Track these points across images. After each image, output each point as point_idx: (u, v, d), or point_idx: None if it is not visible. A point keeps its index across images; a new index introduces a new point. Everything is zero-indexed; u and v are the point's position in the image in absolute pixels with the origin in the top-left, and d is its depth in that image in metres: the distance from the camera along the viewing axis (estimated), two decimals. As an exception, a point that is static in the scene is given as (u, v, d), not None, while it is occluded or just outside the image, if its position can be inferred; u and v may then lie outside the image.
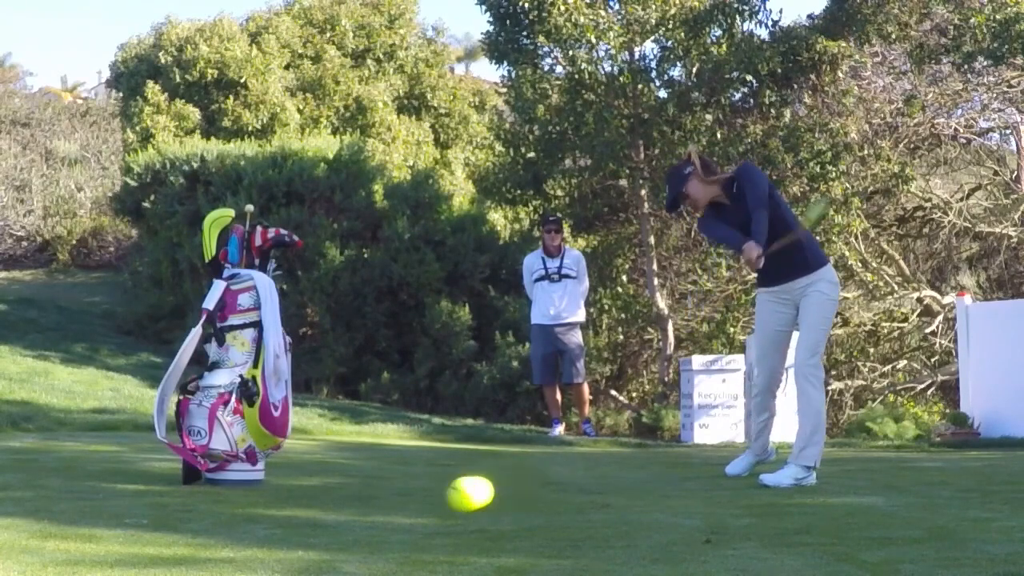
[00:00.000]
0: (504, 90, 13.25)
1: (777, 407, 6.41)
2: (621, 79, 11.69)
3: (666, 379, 11.77)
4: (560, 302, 10.34)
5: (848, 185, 11.31)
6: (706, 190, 5.97)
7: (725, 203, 5.99)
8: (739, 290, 11.99)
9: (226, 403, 5.25)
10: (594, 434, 10.39)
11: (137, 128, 14.80)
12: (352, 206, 12.50)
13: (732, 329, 11.50)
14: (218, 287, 5.38)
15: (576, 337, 10.46)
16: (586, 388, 10.69)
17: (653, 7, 11.65)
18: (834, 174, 11.14)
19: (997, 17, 10.89)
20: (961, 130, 12.42)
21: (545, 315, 10.36)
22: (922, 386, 12.14)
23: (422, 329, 11.93)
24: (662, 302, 11.87)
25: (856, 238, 11.70)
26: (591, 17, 11.49)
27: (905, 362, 12.61)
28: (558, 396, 10.56)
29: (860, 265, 11.89)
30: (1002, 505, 4.76)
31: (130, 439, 7.68)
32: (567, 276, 10.36)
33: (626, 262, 12.64)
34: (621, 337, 12.22)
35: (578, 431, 10.62)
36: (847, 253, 11.58)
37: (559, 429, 10.42)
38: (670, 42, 11.76)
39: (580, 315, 10.52)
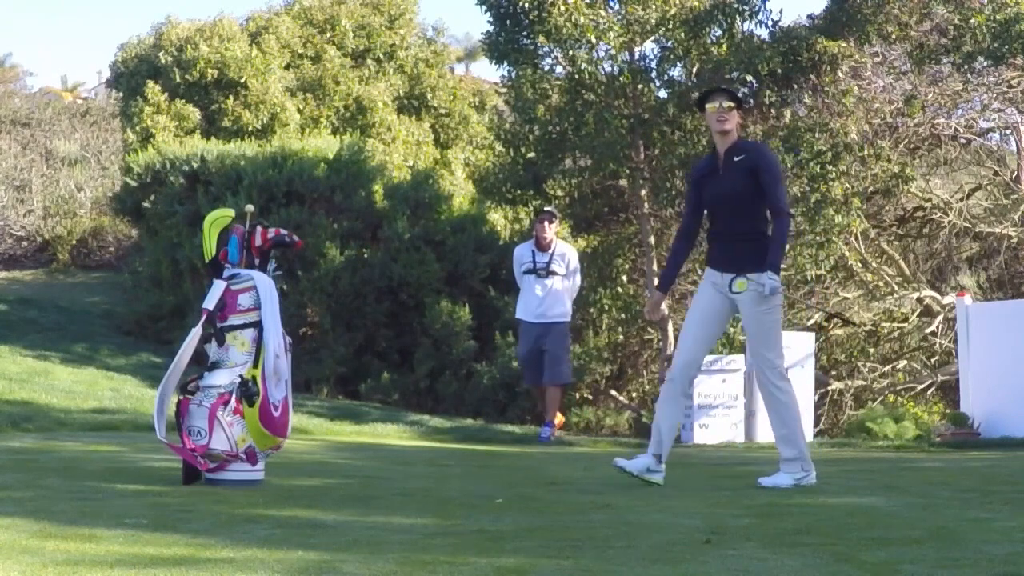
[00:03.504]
0: (504, 90, 13.25)
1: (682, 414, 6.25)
2: (621, 79, 11.69)
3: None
4: (545, 300, 9.85)
5: (848, 185, 11.31)
6: (733, 131, 5.71)
7: (718, 166, 5.73)
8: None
9: (226, 403, 5.25)
10: (548, 438, 9.77)
11: (137, 128, 14.79)
12: (352, 206, 12.50)
13: (732, 329, 11.50)
14: (218, 287, 5.38)
15: (560, 337, 9.92)
16: (560, 392, 10.10)
17: (653, 7, 11.65)
18: (834, 174, 11.14)
19: (997, 17, 10.90)
20: (961, 130, 12.42)
21: (529, 311, 9.90)
22: (922, 386, 12.15)
23: (422, 329, 11.93)
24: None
25: (856, 238, 11.70)
26: (591, 17, 11.49)
27: (905, 362, 12.62)
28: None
29: (860, 265, 11.89)
30: (1002, 505, 4.76)
31: (130, 439, 7.68)
32: (554, 273, 9.87)
33: (626, 262, 12.64)
34: (621, 337, 12.23)
35: (577, 431, 10.59)
36: (847, 253, 11.58)
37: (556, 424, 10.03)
38: (670, 42, 11.77)
39: (565, 314, 9.95)
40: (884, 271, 12.25)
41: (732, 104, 5.70)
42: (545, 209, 10.45)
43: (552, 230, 9.97)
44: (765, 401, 5.77)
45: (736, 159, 5.66)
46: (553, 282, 9.87)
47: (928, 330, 12.27)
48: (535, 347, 9.87)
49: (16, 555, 3.32)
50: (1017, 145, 12.87)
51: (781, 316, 5.85)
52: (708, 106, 5.71)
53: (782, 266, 12.06)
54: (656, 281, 5.90)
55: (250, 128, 14.73)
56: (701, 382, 9.94)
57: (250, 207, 5.70)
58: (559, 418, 10.02)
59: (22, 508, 4.28)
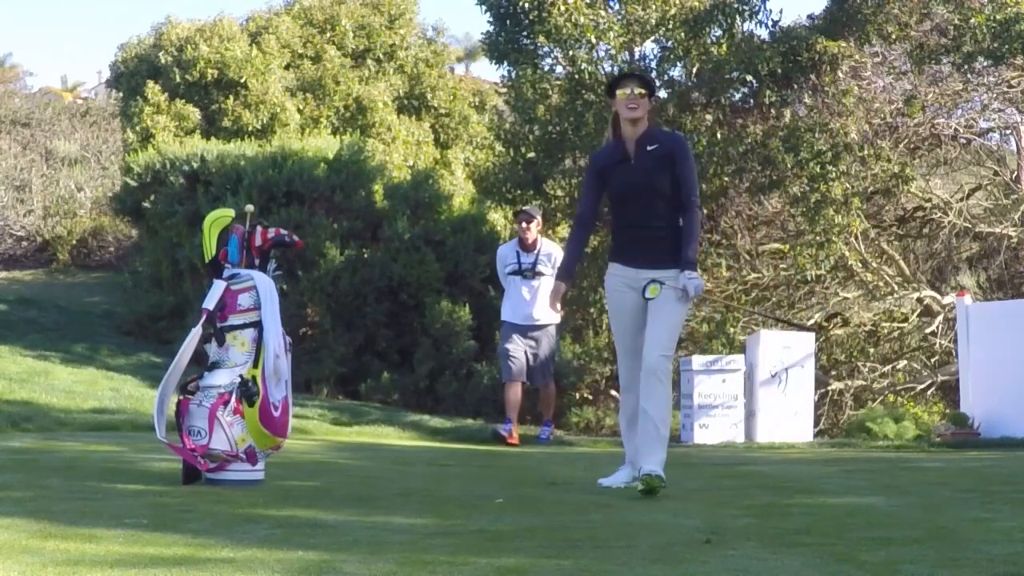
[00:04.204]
0: (504, 90, 13.26)
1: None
2: (621, 79, 11.69)
3: (666, 379, 11.74)
4: (533, 302, 9.55)
5: (848, 185, 11.31)
6: (644, 119, 5.42)
7: (629, 155, 5.43)
8: (739, 290, 11.99)
9: (226, 403, 5.25)
10: (548, 439, 9.70)
11: (137, 128, 14.80)
12: (352, 206, 12.50)
13: (732, 329, 11.50)
14: (218, 287, 5.38)
15: (549, 340, 9.70)
16: (553, 390, 9.99)
17: (653, 7, 11.66)
18: (834, 174, 11.14)
19: (997, 17, 10.90)
20: (961, 130, 12.42)
21: (516, 314, 9.60)
22: (922, 386, 12.14)
23: (422, 329, 11.93)
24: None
25: (856, 238, 11.70)
26: (591, 17, 11.50)
27: (905, 362, 12.62)
28: (519, 396, 9.75)
29: (860, 265, 11.89)
30: (1002, 505, 4.75)
31: (130, 439, 7.68)
32: (541, 273, 9.53)
33: (626, 262, 12.62)
34: (621, 337, 12.21)
35: (577, 431, 10.57)
36: (847, 253, 11.58)
37: (510, 430, 9.50)
38: (670, 42, 11.78)
39: (553, 317, 9.50)
40: (884, 271, 12.24)
41: (643, 91, 5.40)
42: (523, 209, 10.04)
43: (535, 229, 9.61)
44: (652, 395, 5.31)
45: (650, 148, 5.40)
46: (540, 283, 9.54)
47: (928, 330, 12.26)
48: (521, 346, 9.59)
49: (16, 555, 3.32)
50: (1017, 145, 12.87)
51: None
52: (618, 92, 5.40)
53: (782, 267, 12.14)
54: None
55: (250, 128, 14.73)
56: (701, 382, 9.95)
57: (250, 207, 5.70)
58: (516, 433, 9.55)
59: (22, 508, 4.28)
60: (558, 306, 5.83)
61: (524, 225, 9.59)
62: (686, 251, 5.34)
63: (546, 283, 9.48)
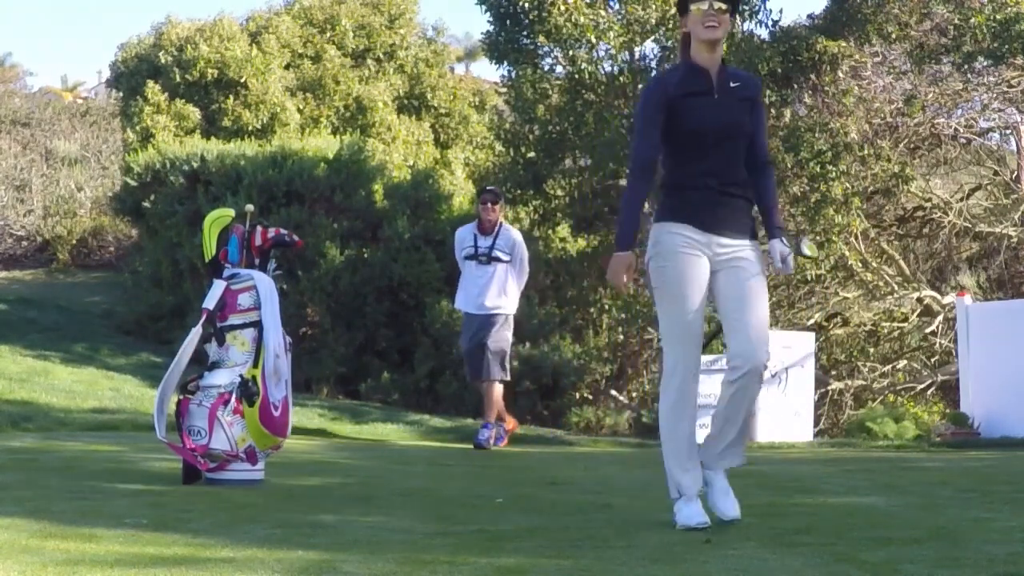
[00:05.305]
0: (504, 90, 13.26)
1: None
2: (621, 79, 11.70)
3: (666, 379, 11.73)
4: (486, 290, 8.74)
5: (848, 185, 11.32)
6: (722, 45, 4.31)
7: (711, 85, 4.20)
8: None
9: (226, 403, 5.25)
10: (485, 443, 8.58)
11: (137, 128, 14.80)
12: (352, 206, 12.50)
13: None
14: (218, 287, 5.38)
15: (502, 331, 8.77)
16: (498, 391, 8.75)
17: (653, 7, 11.66)
18: (834, 174, 11.15)
19: (997, 17, 10.90)
20: (961, 130, 12.43)
21: (470, 302, 8.82)
22: (922, 386, 12.15)
23: (422, 329, 11.93)
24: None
25: (856, 238, 11.71)
26: (591, 17, 11.50)
27: (905, 362, 12.63)
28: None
29: (860, 265, 11.89)
30: (1002, 505, 4.75)
31: (130, 439, 7.67)
32: (497, 259, 8.75)
33: (626, 262, 12.62)
34: (621, 337, 12.23)
35: (577, 431, 10.55)
36: (847, 253, 11.58)
37: (506, 429, 8.96)
38: (670, 42, 11.78)
39: (509, 306, 8.82)
40: (884, 271, 12.25)
41: (724, 6, 4.18)
42: (488, 188, 9.46)
43: (498, 212, 8.92)
44: (746, 397, 4.33)
45: (733, 84, 4.27)
46: (496, 269, 8.81)
47: (928, 330, 12.28)
48: (477, 341, 8.74)
49: (16, 555, 3.32)
50: (1017, 145, 12.88)
51: None
52: (693, 7, 4.17)
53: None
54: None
55: (250, 128, 14.73)
56: (702, 382, 9.87)
57: (250, 207, 5.70)
58: (511, 422, 9.02)
59: (22, 508, 4.28)
60: (625, 280, 4.64)
61: (489, 205, 8.81)
62: (778, 216, 4.40)
63: (501, 270, 8.83)
